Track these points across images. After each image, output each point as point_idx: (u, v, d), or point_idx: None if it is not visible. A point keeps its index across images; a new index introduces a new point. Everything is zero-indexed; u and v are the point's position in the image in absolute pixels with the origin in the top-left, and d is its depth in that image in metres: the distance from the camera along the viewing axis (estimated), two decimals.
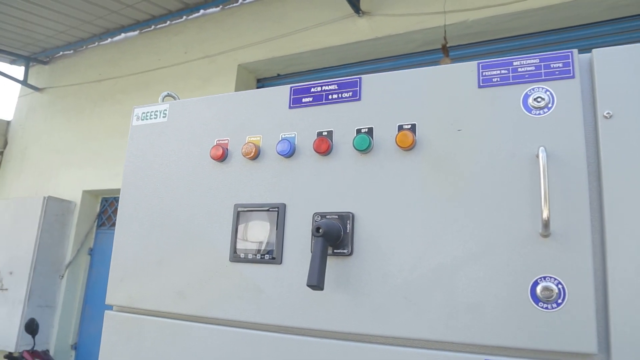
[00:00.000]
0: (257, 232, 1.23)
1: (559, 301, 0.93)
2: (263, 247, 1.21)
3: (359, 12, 3.74)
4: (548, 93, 1.02)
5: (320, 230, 1.06)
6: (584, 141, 0.97)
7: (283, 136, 1.26)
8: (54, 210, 4.84)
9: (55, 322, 4.79)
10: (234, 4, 4.48)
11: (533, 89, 1.03)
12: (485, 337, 0.96)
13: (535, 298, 0.94)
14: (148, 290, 1.34)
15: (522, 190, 1.00)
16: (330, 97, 1.24)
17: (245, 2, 4.43)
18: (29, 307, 4.53)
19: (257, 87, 4.49)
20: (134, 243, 1.40)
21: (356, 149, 1.15)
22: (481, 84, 1.08)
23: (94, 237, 5.13)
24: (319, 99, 1.25)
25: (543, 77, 1.03)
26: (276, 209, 1.22)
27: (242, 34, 4.37)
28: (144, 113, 1.50)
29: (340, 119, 1.21)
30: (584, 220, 0.94)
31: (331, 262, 1.12)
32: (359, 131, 1.18)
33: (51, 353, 4.67)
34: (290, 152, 1.23)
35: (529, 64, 1.05)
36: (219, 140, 1.35)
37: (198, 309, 1.25)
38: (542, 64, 1.04)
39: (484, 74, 1.08)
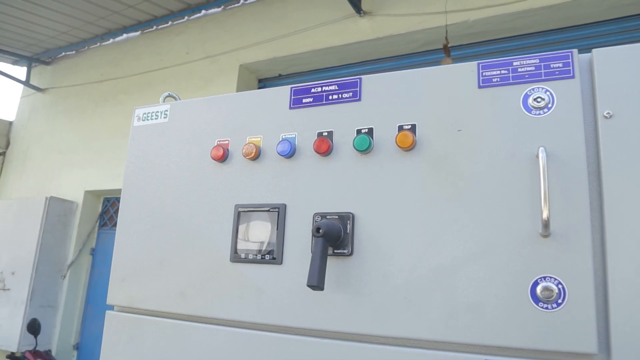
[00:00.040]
0: (258, 232, 1.23)
1: (559, 301, 0.93)
2: (263, 248, 1.21)
3: (360, 12, 3.74)
4: (548, 93, 1.02)
5: (321, 231, 1.06)
6: (584, 141, 0.97)
7: (283, 137, 1.27)
8: (56, 211, 4.85)
9: (58, 322, 4.80)
10: (236, 5, 4.48)
11: (533, 89, 1.03)
12: (485, 337, 0.96)
13: (536, 298, 0.94)
14: (149, 291, 1.34)
15: (522, 190, 1.00)
16: (330, 97, 1.24)
17: (246, 2, 4.43)
18: (31, 307, 4.54)
19: (259, 88, 4.49)
20: (135, 243, 1.40)
21: (356, 150, 1.15)
22: (481, 84, 1.08)
23: (95, 238, 5.14)
24: (320, 100, 1.25)
25: (543, 77, 1.03)
26: (277, 209, 1.22)
27: (243, 34, 4.37)
28: (144, 114, 1.51)
29: (340, 119, 1.21)
30: (584, 220, 0.94)
31: (331, 263, 1.12)
32: (359, 131, 1.18)
33: (53, 353, 4.68)
34: (290, 153, 1.23)
35: (528, 64, 1.05)
36: (219, 141, 1.35)
37: (199, 309, 1.26)
38: (542, 64, 1.04)
39: (484, 74, 1.09)
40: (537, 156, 0.97)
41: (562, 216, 0.95)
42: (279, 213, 1.22)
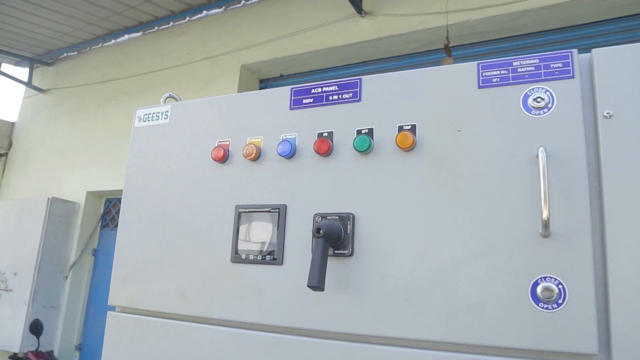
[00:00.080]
0: (258, 233, 1.24)
1: (560, 301, 0.93)
2: (264, 248, 1.22)
3: (361, 13, 3.74)
4: (548, 93, 1.02)
5: (321, 231, 1.06)
6: (584, 141, 0.97)
7: (284, 137, 1.27)
8: (58, 212, 4.86)
9: (60, 323, 4.81)
10: (237, 5, 4.49)
11: (533, 89, 1.03)
12: (485, 338, 0.96)
13: (536, 298, 0.94)
14: (150, 291, 1.35)
15: (522, 190, 1.00)
16: (330, 98, 1.24)
17: (248, 3, 4.44)
18: (33, 307, 4.55)
19: (260, 88, 4.50)
20: (136, 244, 1.41)
21: (356, 150, 1.15)
22: (481, 85, 1.08)
23: (97, 238, 5.15)
24: (320, 100, 1.25)
25: (543, 77, 1.03)
26: (277, 210, 1.23)
27: (244, 34, 4.38)
28: (145, 114, 1.51)
29: (340, 119, 1.21)
30: (584, 220, 0.94)
31: (332, 263, 1.12)
32: (359, 132, 1.18)
33: (55, 354, 4.69)
34: (291, 153, 1.23)
35: (528, 64, 1.05)
36: (220, 142, 1.35)
37: (199, 309, 1.26)
38: (542, 64, 1.04)
39: (483, 74, 1.09)
40: (537, 156, 0.97)
41: (562, 216, 0.95)
42: (279, 213, 1.22)
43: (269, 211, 1.24)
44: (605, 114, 0.97)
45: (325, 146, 1.18)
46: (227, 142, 1.34)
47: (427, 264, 1.04)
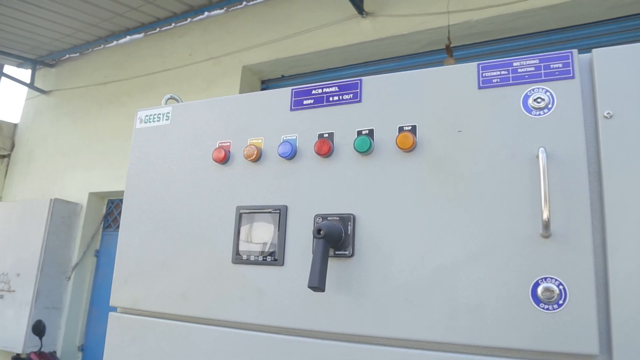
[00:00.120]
0: (259, 233, 1.24)
1: (560, 302, 0.92)
2: (265, 249, 1.22)
3: (362, 13, 3.74)
4: (548, 93, 1.02)
5: (322, 232, 1.06)
6: (584, 141, 0.97)
7: (284, 138, 1.27)
8: (61, 213, 4.87)
9: (62, 324, 4.82)
10: (238, 6, 4.50)
11: (533, 90, 1.03)
12: (486, 338, 0.96)
13: (536, 299, 0.94)
14: (151, 292, 1.35)
15: (522, 191, 0.99)
16: (331, 99, 1.24)
17: (249, 4, 4.44)
18: (36, 308, 4.57)
19: (262, 89, 4.50)
20: (137, 245, 1.41)
21: (357, 151, 1.15)
22: (481, 85, 1.08)
23: (100, 239, 5.16)
24: (320, 101, 1.25)
25: (543, 78, 1.03)
26: (278, 211, 1.23)
27: (246, 35, 4.38)
28: (147, 116, 1.51)
29: (341, 120, 1.21)
30: (585, 221, 0.94)
31: (332, 264, 1.13)
32: (359, 133, 1.18)
33: (58, 354, 4.71)
34: (291, 154, 1.23)
35: (528, 64, 1.05)
36: (221, 143, 1.36)
37: (201, 310, 1.26)
38: (542, 64, 1.04)
39: (483, 74, 1.09)
40: (538, 156, 0.97)
41: (562, 217, 0.95)
42: (280, 214, 1.22)
43: (269, 212, 1.24)
44: (605, 114, 0.97)
45: (325, 147, 1.19)
46: (228, 143, 1.34)
47: (428, 264, 1.04)
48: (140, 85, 5.03)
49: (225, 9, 4.56)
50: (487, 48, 3.55)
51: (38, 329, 4.17)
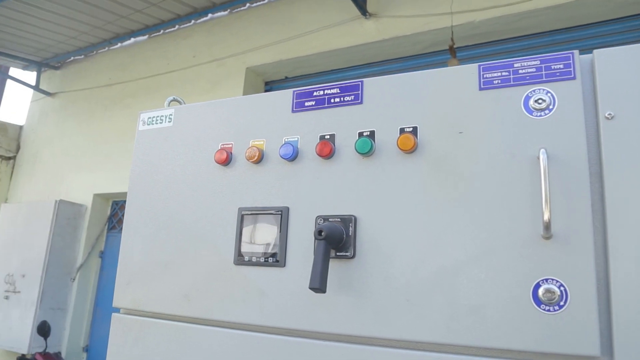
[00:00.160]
0: (261, 235, 1.24)
1: (561, 303, 0.92)
2: (266, 250, 1.22)
3: (365, 14, 3.74)
4: (549, 94, 1.02)
5: (323, 233, 1.07)
6: (586, 142, 0.97)
7: (286, 140, 1.27)
8: (66, 214, 4.89)
9: (67, 325, 4.84)
10: (242, 8, 4.50)
11: (534, 91, 1.03)
12: (486, 340, 0.96)
13: (537, 300, 0.94)
14: (154, 293, 1.35)
15: (523, 192, 0.99)
16: (332, 100, 1.24)
17: (253, 5, 4.45)
18: (41, 309, 4.59)
19: (266, 90, 4.51)
20: (140, 246, 1.42)
21: (358, 152, 1.15)
22: (482, 86, 1.08)
23: (104, 240, 5.18)
24: (322, 103, 1.26)
25: (544, 79, 1.03)
26: (279, 212, 1.23)
27: (250, 37, 4.39)
28: (149, 118, 1.52)
29: (342, 122, 1.22)
30: (586, 222, 0.94)
31: (334, 265, 1.13)
32: (361, 134, 1.18)
33: (63, 355, 4.72)
34: (293, 156, 1.24)
35: (529, 65, 1.05)
36: (223, 144, 1.36)
37: (203, 311, 1.26)
38: (543, 65, 1.04)
39: (484, 76, 1.08)
40: (538, 158, 0.96)
41: (563, 218, 0.95)
42: (281, 216, 1.23)
43: (271, 213, 1.24)
44: (606, 115, 0.96)
45: (327, 149, 1.19)
46: (230, 145, 1.35)
47: (429, 265, 1.04)
48: (144, 87, 5.05)
49: (228, 10, 4.57)
50: (491, 49, 3.55)
51: (43, 329, 4.18)
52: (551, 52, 1.05)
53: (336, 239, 1.10)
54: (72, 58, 5.87)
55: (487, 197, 1.02)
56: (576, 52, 1.02)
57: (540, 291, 0.94)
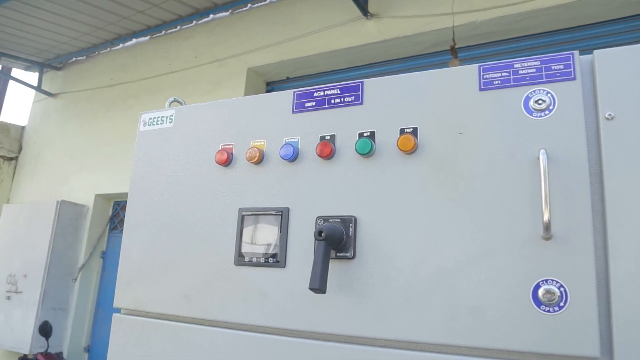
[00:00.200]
0: (262, 235, 1.24)
1: (561, 304, 0.92)
2: (267, 251, 1.22)
3: (367, 15, 3.74)
4: (549, 95, 1.02)
5: (323, 234, 1.07)
6: (586, 143, 0.97)
7: (286, 141, 1.27)
8: (67, 214, 4.90)
9: (69, 325, 4.85)
10: (243, 9, 4.51)
11: (534, 91, 1.03)
12: (486, 340, 0.96)
13: (537, 301, 0.94)
14: (155, 294, 1.36)
15: (523, 192, 0.99)
16: (332, 101, 1.24)
17: (254, 6, 4.46)
18: (42, 309, 4.60)
19: (267, 91, 4.51)
20: (141, 247, 1.42)
21: (358, 153, 1.15)
22: (482, 87, 1.08)
23: (106, 241, 5.19)
24: (322, 104, 1.26)
25: (544, 79, 1.03)
26: (280, 213, 1.23)
27: (251, 37, 4.40)
28: (150, 119, 1.52)
29: (342, 123, 1.22)
30: (586, 223, 0.94)
31: (334, 266, 1.13)
32: (361, 135, 1.18)
33: (64, 355, 4.73)
34: (293, 157, 1.24)
35: (529, 66, 1.05)
36: (223, 145, 1.36)
37: (203, 312, 1.27)
38: (543, 66, 1.04)
39: (484, 76, 1.08)
40: (538, 158, 0.96)
41: (563, 218, 0.95)
42: (282, 216, 1.23)
43: (271, 214, 1.24)
44: (606, 115, 0.96)
45: (327, 149, 1.19)
46: (231, 146, 1.35)
47: (429, 266, 1.04)
48: (146, 88, 5.06)
49: (230, 11, 4.57)
50: (492, 49, 3.54)
51: (45, 329, 4.19)
52: (553, 53, 1.05)
53: (336, 240, 1.11)
54: (74, 59, 5.89)
55: (487, 197, 1.02)
56: (576, 52, 1.02)
57: (540, 292, 0.94)
